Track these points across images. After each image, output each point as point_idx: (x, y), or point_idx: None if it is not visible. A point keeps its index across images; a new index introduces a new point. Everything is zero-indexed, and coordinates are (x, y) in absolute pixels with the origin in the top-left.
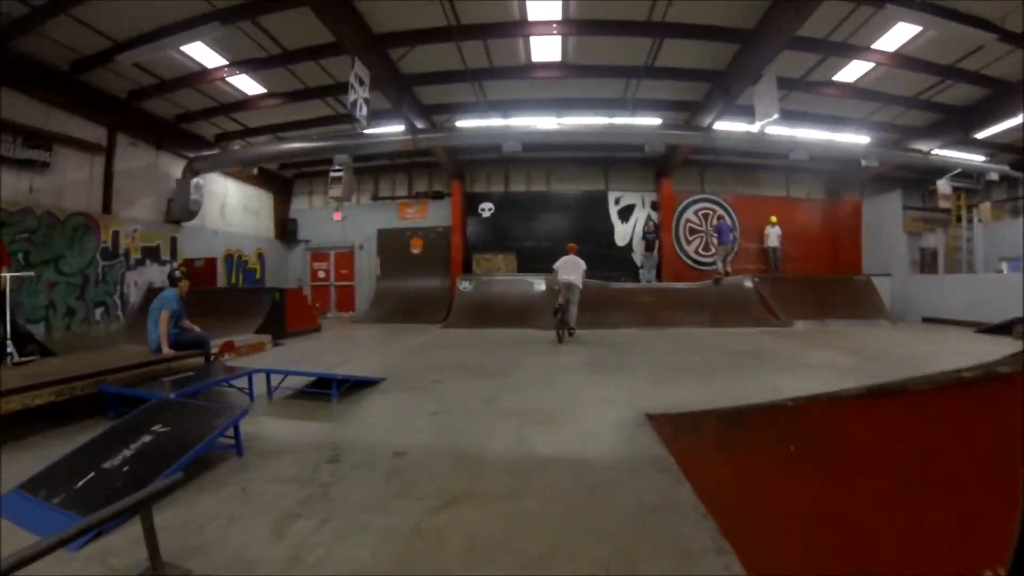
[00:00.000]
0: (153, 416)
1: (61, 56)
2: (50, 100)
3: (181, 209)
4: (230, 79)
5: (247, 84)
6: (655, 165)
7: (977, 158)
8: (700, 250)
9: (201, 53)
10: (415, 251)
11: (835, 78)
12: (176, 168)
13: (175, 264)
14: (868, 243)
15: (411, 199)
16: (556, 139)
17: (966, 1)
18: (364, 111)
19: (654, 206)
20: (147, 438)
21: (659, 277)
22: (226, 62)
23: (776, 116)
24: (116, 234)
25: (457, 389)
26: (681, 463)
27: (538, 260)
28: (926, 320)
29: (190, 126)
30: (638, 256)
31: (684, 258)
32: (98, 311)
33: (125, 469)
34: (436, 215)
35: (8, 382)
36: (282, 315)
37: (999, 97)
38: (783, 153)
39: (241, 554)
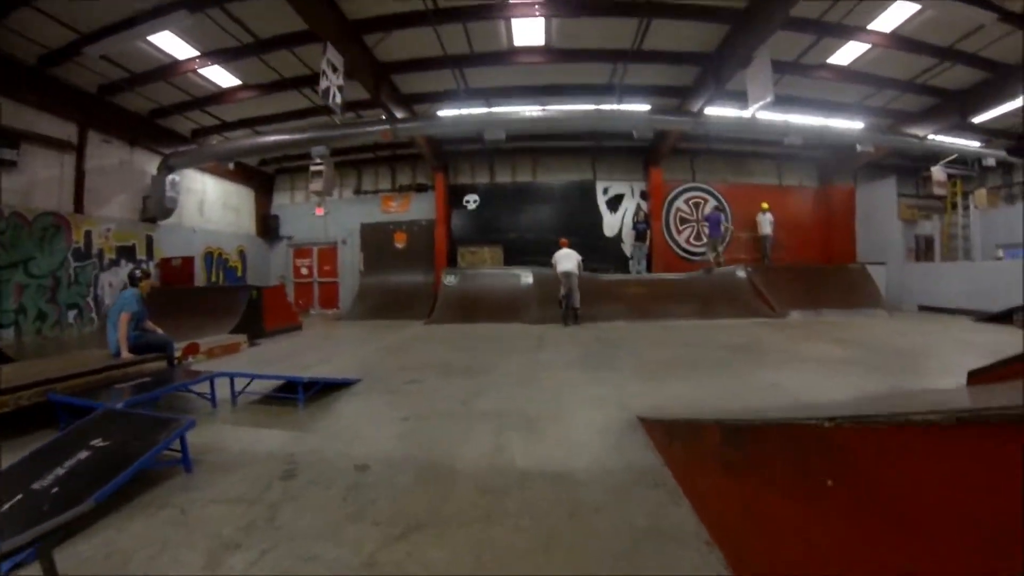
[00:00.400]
0: (95, 429)
1: (27, 50)
2: (16, 96)
3: (157, 207)
4: (202, 71)
5: (221, 76)
6: (644, 154)
7: (973, 144)
8: (691, 240)
9: (170, 44)
10: (399, 245)
11: (829, 60)
12: (152, 165)
13: (153, 264)
14: (862, 231)
15: (394, 192)
16: (541, 127)
17: None
18: (338, 99)
19: (643, 195)
20: (84, 454)
21: (649, 268)
22: (197, 53)
23: (770, 99)
24: (89, 234)
25: (434, 390)
26: (679, 477)
27: (525, 252)
28: (922, 308)
29: (165, 121)
30: (627, 247)
31: (675, 248)
32: (71, 314)
33: (55, 491)
34: (420, 208)
35: None
36: (260, 314)
37: (997, 80)
38: (776, 139)
39: None
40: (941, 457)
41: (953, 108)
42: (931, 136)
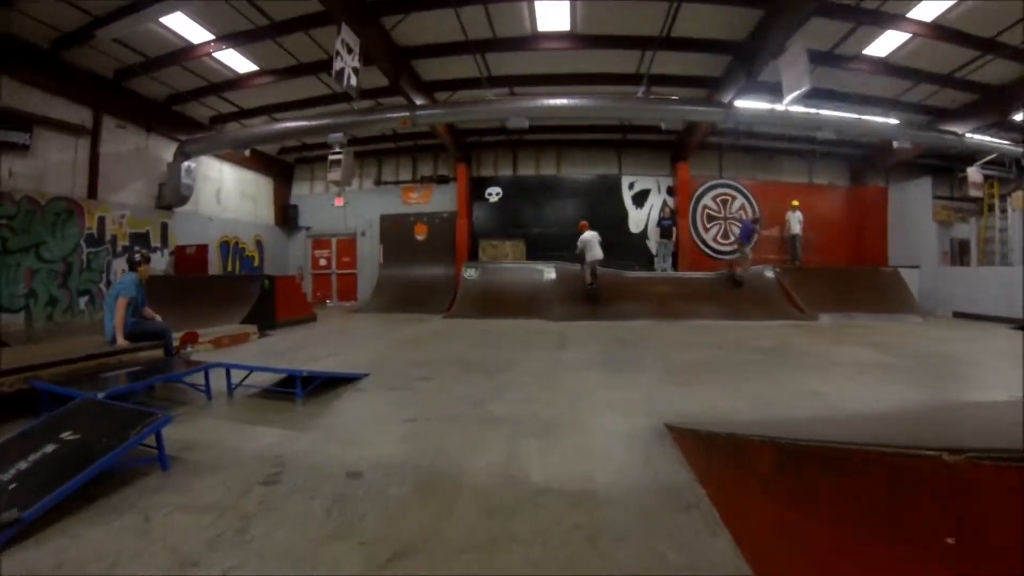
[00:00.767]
0: (69, 420)
1: (41, 34)
2: (31, 80)
3: (173, 194)
4: (217, 55)
5: (237, 61)
6: (671, 148)
7: (1013, 145)
8: (719, 238)
9: (184, 26)
10: (419, 237)
11: (865, 52)
12: (168, 152)
13: (167, 251)
14: (895, 233)
15: (415, 184)
16: (565, 116)
17: None
18: (353, 81)
19: (670, 191)
20: (51, 447)
21: (675, 266)
22: (212, 36)
23: (807, 87)
24: (102, 220)
25: (446, 388)
26: (716, 500)
27: (548, 247)
28: (957, 315)
29: (182, 108)
30: (653, 243)
31: (702, 246)
32: (82, 300)
33: (12, 487)
34: (441, 200)
35: None
36: (272, 304)
37: None
38: (809, 133)
39: None
40: None
41: (993, 104)
42: (968, 134)
